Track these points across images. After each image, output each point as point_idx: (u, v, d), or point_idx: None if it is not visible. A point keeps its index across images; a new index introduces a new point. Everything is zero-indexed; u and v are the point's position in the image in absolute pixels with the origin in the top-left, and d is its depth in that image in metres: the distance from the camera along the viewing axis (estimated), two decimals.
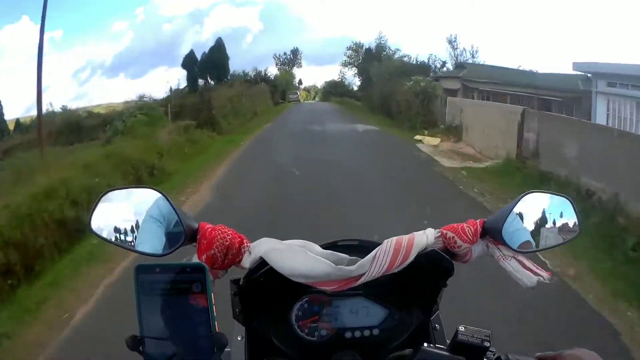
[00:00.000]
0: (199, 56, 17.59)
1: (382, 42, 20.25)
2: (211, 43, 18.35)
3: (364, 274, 0.55)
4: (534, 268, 0.62)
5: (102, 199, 0.60)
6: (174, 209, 0.57)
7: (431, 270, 0.62)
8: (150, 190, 0.59)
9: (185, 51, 18.25)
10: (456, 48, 17.21)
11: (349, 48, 21.97)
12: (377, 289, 0.65)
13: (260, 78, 20.95)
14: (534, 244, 0.64)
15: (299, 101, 24.54)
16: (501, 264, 0.62)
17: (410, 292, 0.67)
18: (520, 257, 0.62)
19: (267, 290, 0.62)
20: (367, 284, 0.59)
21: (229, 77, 17.97)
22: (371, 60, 19.23)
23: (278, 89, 22.52)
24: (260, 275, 0.58)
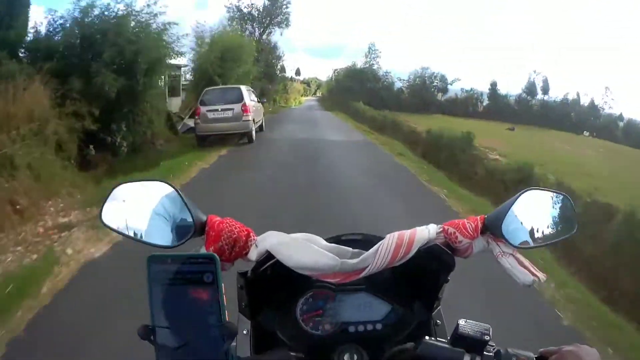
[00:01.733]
0: None
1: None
2: None
3: (367, 266, 0.57)
4: (530, 268, 0.63)
5: (113, 191, 0.61)
6: (184, 201, 0.59)
7: (432, 265, 0.64)
8: (161, 183, 0.61)
9: None
10: None
11: None
12: (380, 285, 0.67)
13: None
14: (532, 240, 0.65)
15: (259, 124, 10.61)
16: (499, 260, 0.63)
17: (412, 287, 0.69)
18: (518, 255, 0.63)
19: (273, 283, 0.63)
20: (370, 279, 0.61)
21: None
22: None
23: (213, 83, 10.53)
24: (267, 268, 0.60)
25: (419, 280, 0.67)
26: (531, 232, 0.66)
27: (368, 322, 0.68)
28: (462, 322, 0.56)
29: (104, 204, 0.61)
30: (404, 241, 0.58)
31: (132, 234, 0.60)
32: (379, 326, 0.68)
